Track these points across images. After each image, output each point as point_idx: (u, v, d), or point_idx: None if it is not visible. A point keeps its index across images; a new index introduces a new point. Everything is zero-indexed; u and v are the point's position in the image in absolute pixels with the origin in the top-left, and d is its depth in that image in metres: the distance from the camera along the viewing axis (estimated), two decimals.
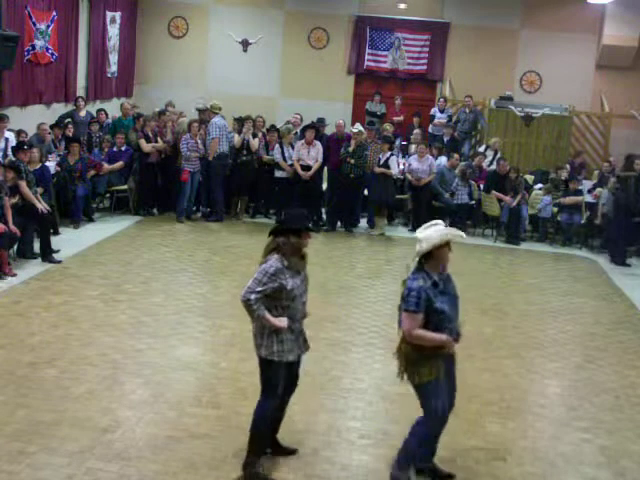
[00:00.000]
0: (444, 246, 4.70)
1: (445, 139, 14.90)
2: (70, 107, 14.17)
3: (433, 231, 4.71)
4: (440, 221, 4.94)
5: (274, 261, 4.83)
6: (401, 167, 12.96)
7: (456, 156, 13.36)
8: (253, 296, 4.77)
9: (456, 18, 16.97)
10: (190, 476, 4.95)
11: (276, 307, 4.89)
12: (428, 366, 4.76)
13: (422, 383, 4.78)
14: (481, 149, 14.69)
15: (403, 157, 13.87)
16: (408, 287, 4.73)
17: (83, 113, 13.86)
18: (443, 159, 13.47)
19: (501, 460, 5.48)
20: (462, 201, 12.78)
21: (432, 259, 4.72)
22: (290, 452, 5.31)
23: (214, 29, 17.52)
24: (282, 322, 4.86)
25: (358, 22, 17.19)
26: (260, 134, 12.95)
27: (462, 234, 4.86)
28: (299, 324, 5.01)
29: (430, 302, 4.67)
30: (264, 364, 4.95)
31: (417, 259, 4.78)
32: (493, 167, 14.01)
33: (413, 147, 13.54)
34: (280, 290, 4.82)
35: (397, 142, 14.35)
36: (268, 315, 4.83)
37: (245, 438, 5.26)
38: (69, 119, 13.38)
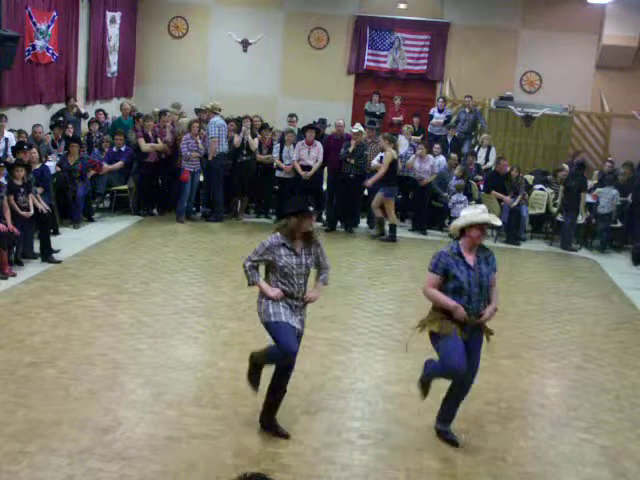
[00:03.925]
0: (475, 228, 5.32)
1: (449, 139, 14.90)
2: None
3: (470, 213, 5.42)
4: (483, 205, 5.65)
5: (272, 237, 5.40)
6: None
7: (453, 156, 13.35)
8: (248, 263, 5.43)
9: (456, 18, 16.97)
10: (190, 476, 4.95)
11: (272, 280, 5.41)
12: (439, 322, 5.37)
13: (431, 332, 5.44)
14: (481, 151, 14.63)
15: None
16: (436, 251, 5.49)
17: (76, 110, 13.86)
18: (442, 159, 13.46)
19: (501, 460, 5.48)
20: (459, 212, 12.66)
21: (464, 236, 5.39)
22: (284, 435, 5.52)
23: (214, 29, 17.51)
24: (274, 292, 5.36)
25: (358, 22, 17.20)
26: (259, 134, 12.96)
27: (497, 221, 5.56)
28: (296, 302, 5.41)
29: (447, 268, 5.33)
30: (266, 329, 5.44)
31: (456, 233, 5.49)
32: (490, 164, 14.02)
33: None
34: (274, 264, 5.36)
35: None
36: (261, 282, 5.44)
37: (245, 438, 5.28)
38: (61, 118, 13.39)
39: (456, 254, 5.36)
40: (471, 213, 5.40)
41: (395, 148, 12.42)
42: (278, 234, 5.37)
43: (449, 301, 5.31)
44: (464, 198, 12.65)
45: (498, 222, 5.60)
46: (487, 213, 5.44)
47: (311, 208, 5.36)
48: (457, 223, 5.43)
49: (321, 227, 12.52)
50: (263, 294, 5.42)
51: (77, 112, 13.91)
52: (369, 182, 12.12)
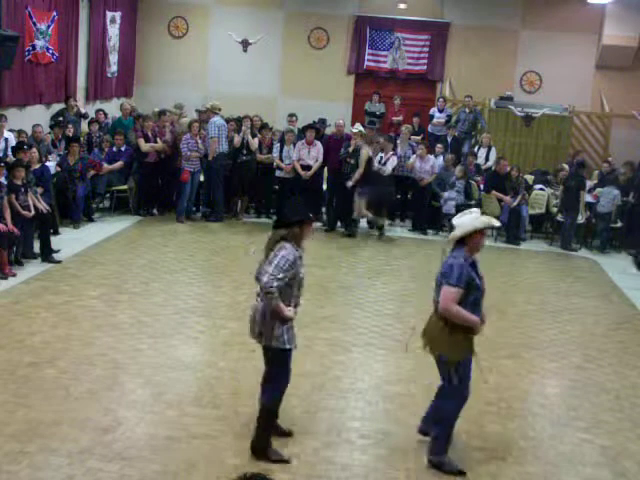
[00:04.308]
0: (478, 233, 5.03)
1: (449, 139, 14.90)
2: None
3: (468, 218, 5.06)
4: (475, 209, 5.25)
5: (291, 249, 5.00)
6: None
7: (448, 157, 13.33)
8: (275, 283, 4.89)
9: (456, 18, 16.97)
10: (190, 476, 4.96)
11: (286, 295, 5.03)
12: (463, 345, 5.05)
13: (454, 360, 5.07)
14: (481, 151, 14.61)
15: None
16: (450, 264, 5.00)
17: (76, 109, 13.86)
18: (441, 159, 13.44)
19: (501, 460, 5.48)
20: (452, 209, 12.68)
21: (467, 244, 5.05)
22: (286, 433, 5.46)
23: (214, 29, 17.51)
24: (291, 312, 5.05)
25: (358, 22, 17.19)
26: (259, 134, 12.95)
27: (496, 222, 5.23)
28: (295, 313, 5.19)
29: (471, 278, 4.97)
30: (275, 354, 5.12)
31: (452, 243, 5.13)
32: (489, 163, 14.02)
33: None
34: (293, 278, 5.00)
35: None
36: (282, 305, 4.98)
37: (245, 438, 5.27)
38: (61, 118, 13.40)
39: (471, 263, 5.06)
40: (469, 218, 5.08)
41: (375, 147, 12.39)
42: (291, 245, 5.01)
43: (473, 317, 4.99)
44: (455, 195, 12.68)
45: (497, 223, 5.36)
46: (482, 215, 5.19)
47: (311, 214, 5.21)
48: (457, 233, 5.08)
49: (321, 227, 12.52)
50: (277, 316, 5.00)
51: (77, 112, 13.92)
52: (350, 183, 12.05)
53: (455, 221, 5.14)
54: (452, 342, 5.04)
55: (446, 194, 12.71)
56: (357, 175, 11.99)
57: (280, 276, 4.89)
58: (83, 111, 14.10)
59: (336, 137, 12.82)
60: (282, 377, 5.19)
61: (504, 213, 12.61)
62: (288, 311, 5.00)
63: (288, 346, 5.08)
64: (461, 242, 5.08)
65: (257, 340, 5.20)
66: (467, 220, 5.07)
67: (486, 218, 5.17)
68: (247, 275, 9.60)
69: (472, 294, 5.00)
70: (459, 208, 12.71)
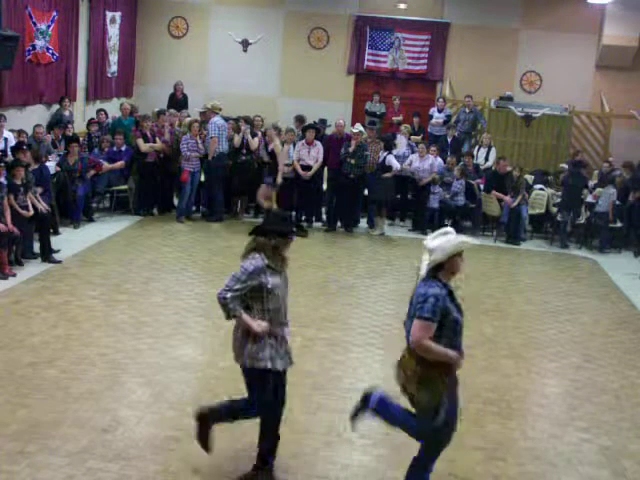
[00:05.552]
0: (458, 255, 4.49)
1: (449, 139, 14.87)
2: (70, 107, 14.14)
3: (446, 240, 4.47)
4: (450, 229, 4.70)
5: (254, 259, 4.76)
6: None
7: (449, 159, 13.31)
8: (229, 294, 4.62)
9: (456, 18, 16.96)
10: (190, 476, 4.96)
11: (257, 310, 4.71)
12: (437, 386, 4.49)
13: (430, 405, 4.54)
14: (482, 151, 14.60)
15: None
16: (424, 293, 4.40)
17: (67, 113, 13.84)
18: (440, 161, 13.40)
19: (501, 460, 5.48)
20: (435, 203, 12.72)
21: (445, 269, 4.49)
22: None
23: (214, 29, 17.50)
24: (260, 326, 4.66)
25: (358, 22, 17.19)
26: (260, 134, 12.95)
27: (472, 241, 4.64)
28: (281, 330, 4.80)
29: (447, 312, 4.40)
30: (254, 375, 4.78)
31: (429, 268, 4.51)
32: (489, 163, 14.00)
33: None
34: (260, 289, 4.68)
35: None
36: (245, 316, 4.66)
37: (244, 438, 5.27)
38: (58, 118, 13.38)
39: (448, 293, 4.46)
40: (446, 241, 4.45)
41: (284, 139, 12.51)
42: (258, 255, 4.77)
43: (450, 352, 4.42)
44: (438, 189, 12.68)
45: (475, 241, 4.76)
46: (456, 235, 4.59)
47: (294, 229, 4.90)
48: (438, 256, 4.43)
49: (321, 227, 12.53)
50: (246, 332, 4.69)
51: (70, 113, 13.90)
52: (280, 179, 12.19)
53: (430, 244, 4.49)
54: (424, 383, 4.51)
55: (429, 188, 12.72)
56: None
57: (236, 287, 4.62)
58: (67, 113, 13.89)
59: (336, 137, 12.84)
60: (265, 403, 4.82)
61: (504, 213, 12.61)
62: (257, 325, 4.64)
63: (269, 365, 4.68)
64: (436, 267, 4.49)
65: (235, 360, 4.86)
66: (446, 241, 4.46)
67: (464, 238, 4.55)
68: None
69: (448, 328, 4.41)
70: (459, 208, 12.79)
